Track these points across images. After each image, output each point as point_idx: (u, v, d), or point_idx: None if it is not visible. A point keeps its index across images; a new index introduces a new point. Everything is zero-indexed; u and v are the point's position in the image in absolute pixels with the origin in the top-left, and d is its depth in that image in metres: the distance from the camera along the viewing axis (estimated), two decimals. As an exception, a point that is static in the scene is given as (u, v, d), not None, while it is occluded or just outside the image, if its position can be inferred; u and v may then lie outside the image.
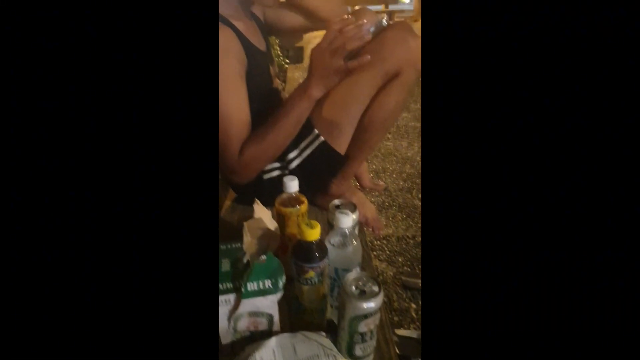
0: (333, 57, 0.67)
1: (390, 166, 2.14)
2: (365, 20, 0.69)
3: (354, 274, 0.55)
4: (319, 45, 0.69)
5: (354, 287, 0.53)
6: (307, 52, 4.34)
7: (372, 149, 0.89)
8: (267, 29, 0.94)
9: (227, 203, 1.00)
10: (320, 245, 0.54)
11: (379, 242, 1.52)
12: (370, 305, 0.50)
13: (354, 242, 0.59)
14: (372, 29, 0.69)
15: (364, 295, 0.51)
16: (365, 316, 0.51)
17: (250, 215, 0.71)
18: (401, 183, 1.96)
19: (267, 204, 0.88)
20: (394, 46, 0.72)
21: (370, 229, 0.97)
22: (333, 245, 0.58)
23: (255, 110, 0.80)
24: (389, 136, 2.45)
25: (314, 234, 0.52)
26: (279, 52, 2.95)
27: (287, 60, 3.26)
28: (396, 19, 8.31)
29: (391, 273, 1.35)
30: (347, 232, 0.58)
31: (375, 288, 0.53)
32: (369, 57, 0.67)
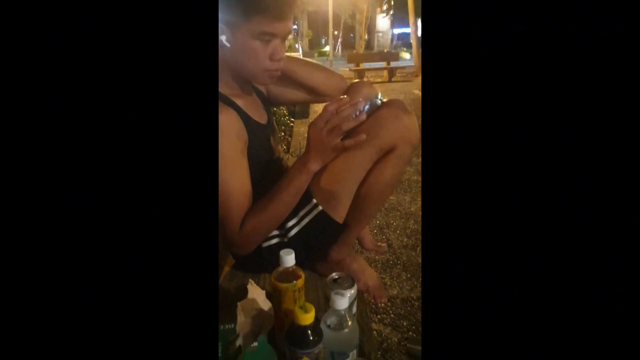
0: (329, 135, 0.71)
1: (393, 221, 2.12)
2: (360, 99, 0.73)
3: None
4: (316, 123, 0.72)
5: (348, 376, 0.51)
6: (314, 108, 4.53)
7: (371, 217, 0.90)
8: (270, 102, 1.00)
9: (226, 269, 0.99)
10: (315, 329, 0.53)
11: (385, 303, 1.47)
12: (365, 397, 0.48)
13: (350, 323, 0.57)
14: (366, 108, 0.72)
15: (359, 385, 0.49)
16: (361, 409, 0.49)
17: (247, 282, 0.71)
18: (405, 239, 1.94)
19: (266, 271, 0.87)
20: (389, 124, 0.76)
21: (372, 298, 0.94)
22: (329, 326, 0.57)
23: (256, 181, 0.82)
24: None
25: (307, 318, 0.51)
26: (284, 111, 3.08)
27: (292, 119, 3.39)
28: (398, 75, 8.71)
29: (395, 339, 1.29)
30: (343, 313, 0.57)
31: (372, 376, 0.51)
32: (364, 136, 0.71)
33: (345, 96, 0.73)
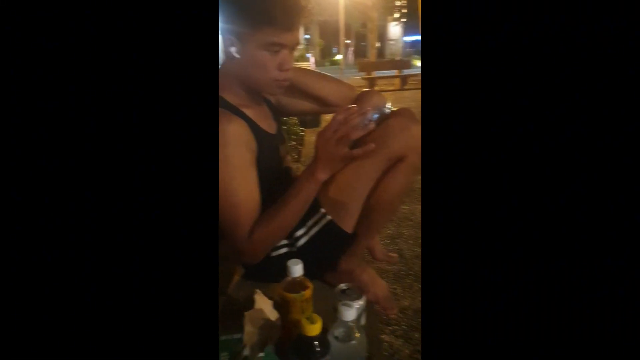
0: (338, 145, 0.71)
1: (406, 231, 2.10)
2: (369, 109, 0.73)
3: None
4: (324, 132, 0.73)
5: (355, 390, 0.50)
6: (325, 117, 4.55)
7: (380, 227, 0.89)
8: (280, 112, 1.01)
9: (236, 278, 1.00)
10: (322, 340, 0.52)
11: (395, 315, 1.45)
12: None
13: (358, 335, 0.57)
14: (375, 117, 0.72)
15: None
16: None
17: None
18: (417, 249, 1.91)
19: (275, 281, 0.87)
20: (397, 133, 0.75)
21: (382, 310, 0.93)
22: (337, 338, 0.57)
23: (265, 191, 0.83)
24: (404, 199, 2.45)
25: (314, 329, 0.51)
26: (295, 120, 3.11)
27: (302, 129, 3.42)
28: (410, 82, 8.70)
29: (408, 351, 1.27)
30: (351, 324, 0.56)
31: (379, 390, 0.50)
32: (373, 145, 0.70)
33: (354, 105, 0.74)
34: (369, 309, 0.89)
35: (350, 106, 0.73)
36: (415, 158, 0.76)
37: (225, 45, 0.78)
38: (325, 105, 0.97)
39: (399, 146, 0.76)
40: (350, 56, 21.36)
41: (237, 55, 0.78)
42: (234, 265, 1.06)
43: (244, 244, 0.79)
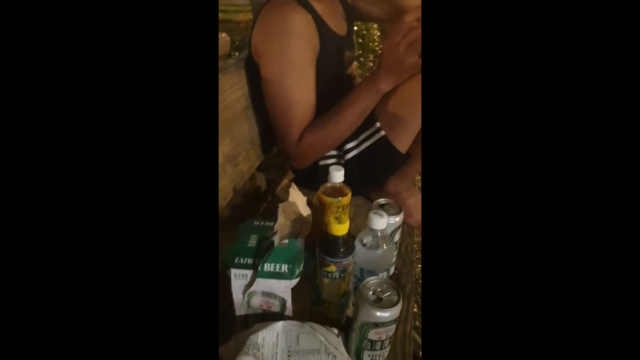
0: (407, 51, 0.63)
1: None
2: None
3: (376, 278, 0.53)
4: (392, 36, 0.65)
5: (371, 293, 0.50)
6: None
7: (437, 152, 0.83)
8: (353, 14, 0.92)
9: (285, 182, 1.03)
10: (347, 241, 0.52)
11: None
12: (383, 315, 0.48)
13: (385, 246, 0.56)
14: None
15: (379, 302, 0.49)
16: (377, 325, 0.49)
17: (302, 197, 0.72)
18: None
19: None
20: None
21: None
22: (364, 245, 0.57)
23: (323, 96, 0.79)
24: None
25: (341, 229, 0.51)
26: (376, 36, 2.89)
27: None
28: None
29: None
30: (379, 235, 0.56)
31: (395, 298, 0.50)
32: None
33: None
34: (408, 233, 0.88)
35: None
36: None
37: None
38: (401, 11, 0.86)
39: None
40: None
41: None
42: (284, 172, 1.09)
43: (291, 148, 0.79)
